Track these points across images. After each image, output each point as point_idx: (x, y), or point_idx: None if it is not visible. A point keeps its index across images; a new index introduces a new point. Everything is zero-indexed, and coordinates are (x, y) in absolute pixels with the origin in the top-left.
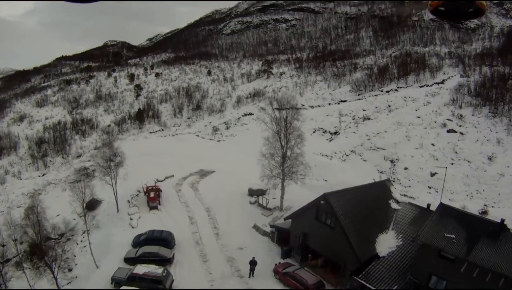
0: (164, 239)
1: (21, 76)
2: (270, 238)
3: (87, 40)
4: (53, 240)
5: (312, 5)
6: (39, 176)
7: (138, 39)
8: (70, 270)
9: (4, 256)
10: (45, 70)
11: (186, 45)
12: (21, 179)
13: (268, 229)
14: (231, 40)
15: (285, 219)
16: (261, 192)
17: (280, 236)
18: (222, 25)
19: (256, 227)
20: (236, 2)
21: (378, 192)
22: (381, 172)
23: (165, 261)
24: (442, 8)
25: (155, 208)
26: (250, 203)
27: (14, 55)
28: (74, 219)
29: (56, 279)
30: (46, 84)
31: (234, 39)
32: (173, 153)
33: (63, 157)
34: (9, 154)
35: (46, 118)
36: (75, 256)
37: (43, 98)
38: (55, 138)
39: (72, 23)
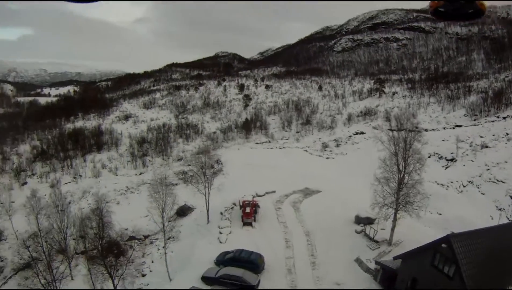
0: (252, 261)
1: (131, 78)
2: (373, 276)
3: (197, 50)
4: (135, 241)
5: (422, 24)
6: (136, 174)
7: (249, 52)
8: (143, 275)
9: (77, 248)
10: (155, 75)
11: (297, 60)
12: (116, 175)
13: (372, 265)
14: (342, 57)
15: (394, 258)
16: (369, 221)
17: (385, 276)
18: (333, 42)
19: (358, 261)
20: (347, 19)
21: (509, 238)
22: (500, 209)
23: (248, 289)
24: (442, 9)
25: (249, 224)
26: (356, 232)
27: (124, 59)
28: (161, 222)
29: (113, 281)
30: (155, 87)
31: (345, 56)
32: (278, 166)
33: (163, 159)
34: (109, 149)
35: (152, 120)
36: (152, 262)
37: (151, 100)
38: (157, 139)
39: (182, 33)
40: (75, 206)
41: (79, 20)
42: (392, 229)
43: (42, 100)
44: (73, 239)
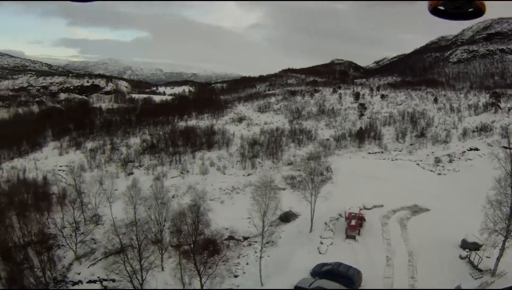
0: (349, 277)
1: (246, 82)
2: None
3: (313, 56)
4: (233, 241)
5: None
6: (244, 175)
7: (364, 61)
8: (236, 276)
9: (172, 241)
10: (270, 79)
11: (412, 70)
12: (224, 174)
13: None
14: (457, 68)
15: None
16: (475, 247)
17: None
18: (448, 52)
19: None
20: (461, 29)
21: None
22: None
23: None
24: (441, 8)
25: (353, 238)
26: (460, 257)
27: (239, 63)
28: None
29: (200, 278)
30: (270, 92)
31: (460, 68)
32: (388, 179)
33: (273, 162)
34: (220, 148)
35: (265, 123)
36: (247, 264)
37: (266, 104)
38: (269, 142)
39: (297, 40)
40: (178, 200)
41: (194, 24)
42: (498, 259)
43: (157, 98)
44: (170, 231)
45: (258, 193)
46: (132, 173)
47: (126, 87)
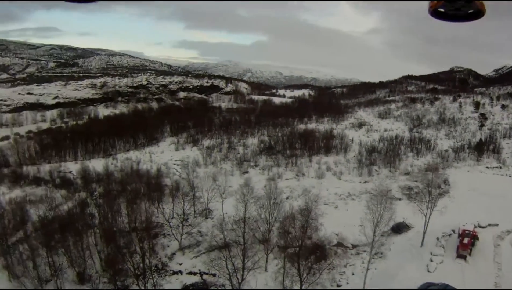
0: None
1: (366, 87)
2: None
3: (432, 63)
4: (342, 248)
5: None
6: (360, 182)
7: (483, 69)
8: (338, 286)
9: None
10: (390, 86)
11: None
12: (340, 179)
13: None
14: None
15: None
16: None
17: None
18: None
19: None
20: None
21: None
22: None
23: None
24: (441, 9)
25: (463, 258)
26: None
27: (358, 68)
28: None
29: (301, 285)
30: (390, 98)
31: None
32: (506, 197)
33: (390, 171)
34: (337, 153)
35: (385, 130)
36: (352, 274)
37: (386, 110)
38: (387, 150)
39: (415, 46)
40: (291, 202)
41: (313, 27)
42: None
43: (277, 100)
44: (279, 232)
45: (373, 201)
46: (247, 172)
47: (246, 89)
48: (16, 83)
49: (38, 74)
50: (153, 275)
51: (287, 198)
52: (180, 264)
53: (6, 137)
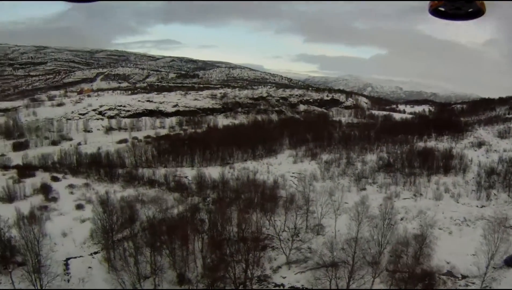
0: None
1: (486, 103)
2: None
3: None
4: (451, 278)
5: None
6: (477, 206)
7: None
8: None
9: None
10: (510, 102)
11: None
12: (457, 203)
13: None
14: None
15: None
16: None
17: None
18: None
19: None
20: None
21: None
22: None
23: None
24: (442, 8)
25: None
26: None
27: (477, 82)
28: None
29: None
30: (511, 116)
31: None
32: None
33: (509, 195)
34: (456, 174)
35: (504, 151)
36: None
37: (505, 129)
38: (506, 173)
39: None
40: (405, 224)
41: (431, 40)
42: None
43: (397, 116)
44: (390, 255)
45: (489, 231)
46: (364, 189)
47: (366, 103)
48: (136, 91)
49: (159, 83)
50: (253, 287)
51: (401, 219)
52: (284, 278)
53: (124, 140)
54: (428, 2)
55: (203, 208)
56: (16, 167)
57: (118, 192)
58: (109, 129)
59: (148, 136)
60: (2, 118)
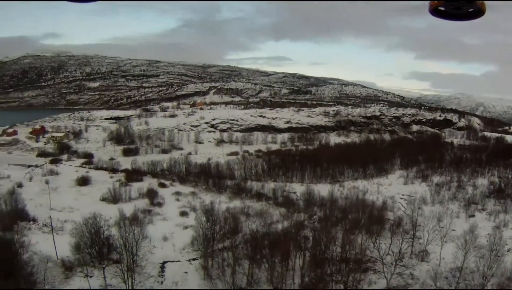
0: None
1: None
2: None
3: None
4: None
5: None
6: None
7: None
8: None
9: None
10: None
11: None
12: None
13: None
14: None
15: None
16: None
17: None
18: None
19: None
20: None
21: None
22: None
23: None
24: (442, 8)
25: None
26: None
27: None
28: None
29: None
30: None
31: None
32: None
33: None
34: None
35: None
36: None
37: None
38: None
39: None
40: None
41: None
42: None
43: (509, 138)
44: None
45: None
46: (473, 216)
47: (479, 124)
48: (249, 106)
49: (271, 99)
50: None
51: (508, 250)
52: None
53: (235, 153)
54: (428, 2)
55: (309, 225)
56: (125, 171)
57: (224, 203)
58: (220, 142)
59: (259, 151)
60: (114, 125)
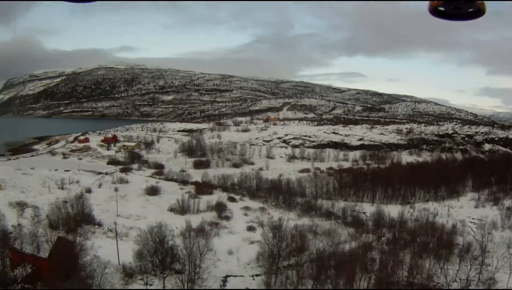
0: None
1: None
2: None
3: None
4: None
5: None
6: None
7: None
8: None
9: None
10: None
11: None
12: None
13: None
14: None
15: None
16: None
17: None
18: None
19: None
20: None
21: None
22: None
23: None
24: (442, 8)
25: None
26: None
27: None
28: None
29: None
30: None
31: None
32: None
33: None
34: None
35: None
36: None
37: None
38: None
39: None
40: None
41: None
42: None
43: None
44: None
45: None
46: None
47: None
48: (322, 122)
49: (345, 116)
50: None
51: None
52: None
53: (307, 170)
54: (428, 2)
55: (376, 247)
56: (195, 183)
57: (292, 220)
58: (292, 158)
59: (330, 168)
60: (187, 138)
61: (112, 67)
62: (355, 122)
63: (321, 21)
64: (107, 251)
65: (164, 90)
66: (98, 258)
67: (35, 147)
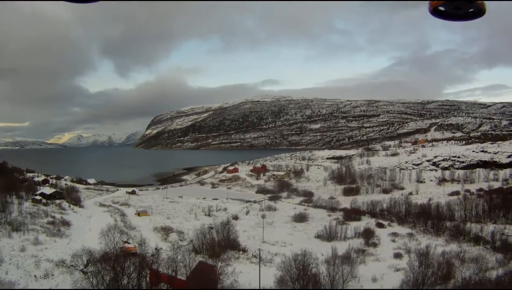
0: None
1: None
2: None
3: None
4: None
5: None
6: None
7: None
8: None
9: None
10: None
11: None
12: None
13: None
14: None
15: None
16: None
17: None
18: None
19: None
20: None
21: None
22: None
23: None
24: (442, 8)
25: None
26: None
27: None
28: None
29: None
30: None
31: None
32: None
33: None
34: None
35: None
36: None
37: None
38: None
39: None
40: None
41: None
42: None
43: None
44: None
45: None
46: None
47: None
48: (470, 141)
49: (492, 132)
50: None
51: None
52: None
53: (456, 193)
54: (428, 2)
55: None
56: (343, 210)
57: (440, 245)
58: (442, 181)
59: (480, 189)
60: (336, 165)
61: (258, 100)
62: (503, 138)
63: (455, 36)
64: (249, 276)
65: (311, 119)
66: (237, 283)
67: (184, 177)
